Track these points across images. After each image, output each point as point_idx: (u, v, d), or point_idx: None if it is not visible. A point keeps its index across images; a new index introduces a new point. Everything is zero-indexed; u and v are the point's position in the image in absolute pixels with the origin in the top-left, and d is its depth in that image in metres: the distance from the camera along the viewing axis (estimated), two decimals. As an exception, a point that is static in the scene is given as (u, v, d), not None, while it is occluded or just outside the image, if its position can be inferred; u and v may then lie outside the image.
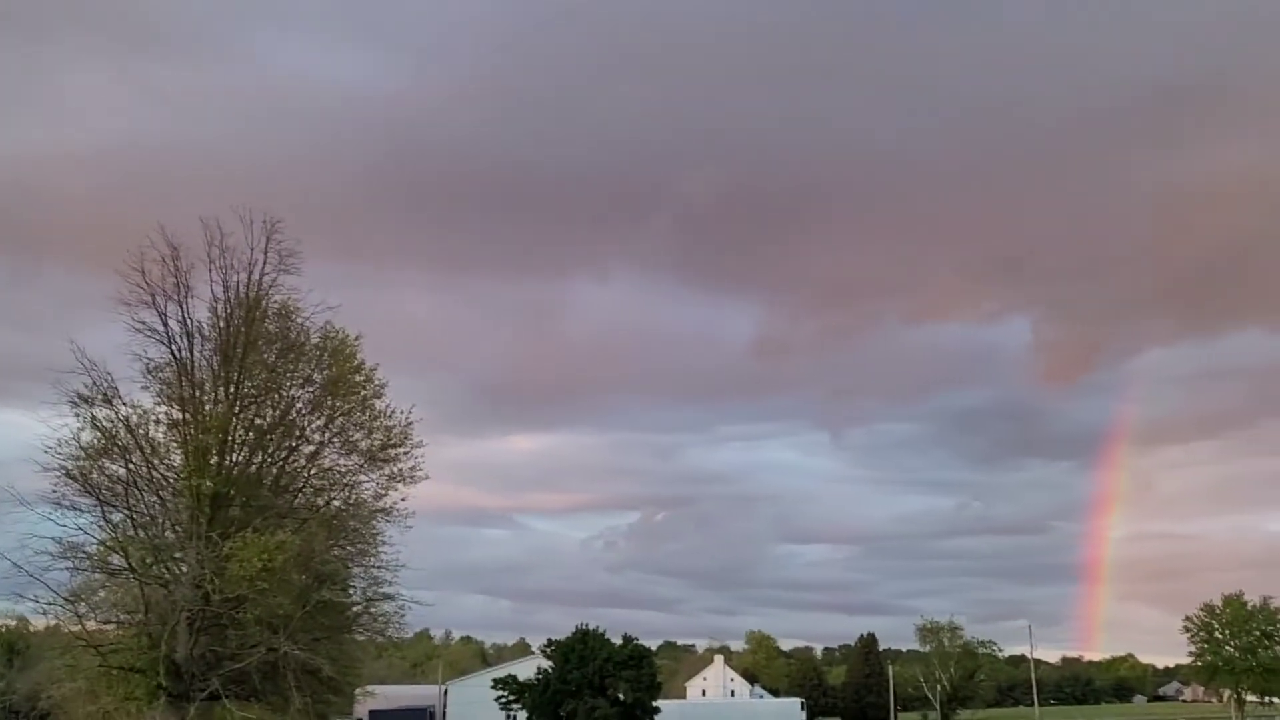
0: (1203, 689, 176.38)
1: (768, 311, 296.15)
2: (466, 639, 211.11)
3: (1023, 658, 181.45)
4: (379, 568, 49.26)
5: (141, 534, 42.15)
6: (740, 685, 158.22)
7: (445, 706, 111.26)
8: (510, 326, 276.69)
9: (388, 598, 48.56)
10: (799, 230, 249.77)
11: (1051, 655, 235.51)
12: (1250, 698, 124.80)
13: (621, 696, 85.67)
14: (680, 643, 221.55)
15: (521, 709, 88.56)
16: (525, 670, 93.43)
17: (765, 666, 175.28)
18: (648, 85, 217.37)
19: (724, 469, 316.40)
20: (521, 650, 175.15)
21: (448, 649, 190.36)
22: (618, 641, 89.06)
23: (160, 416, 42.65)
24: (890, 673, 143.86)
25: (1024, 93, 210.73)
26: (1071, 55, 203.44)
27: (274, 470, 46.54)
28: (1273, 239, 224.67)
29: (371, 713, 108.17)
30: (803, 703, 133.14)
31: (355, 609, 48.90)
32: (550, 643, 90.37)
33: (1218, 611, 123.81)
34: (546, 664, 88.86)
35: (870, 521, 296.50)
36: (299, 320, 46.34)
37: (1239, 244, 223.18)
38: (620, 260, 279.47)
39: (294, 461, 47.38)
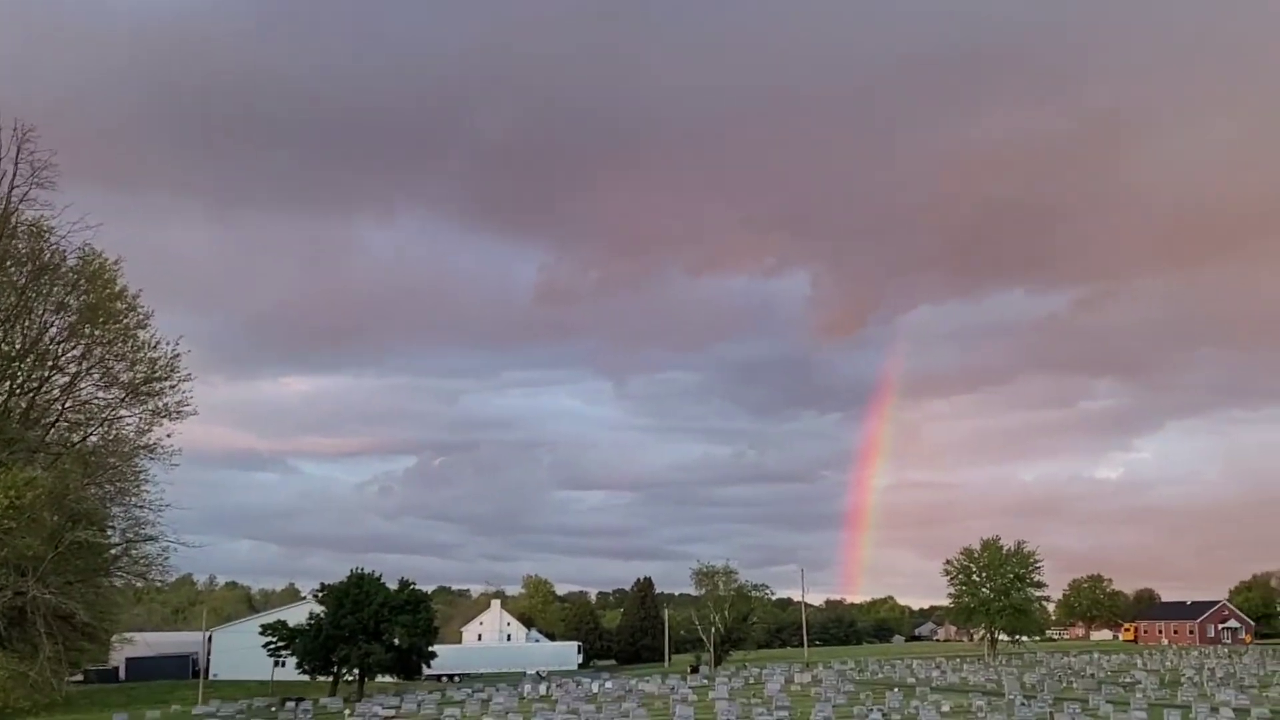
0: (955, 629, 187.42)
1: (555, 258, 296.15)
2: (232, 584, 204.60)
3: (790, 600, 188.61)
4: (141, 508, 46.79)
5: None
6: (517, 629, 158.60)
7: (209, 654, 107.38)
8: (288, 264, 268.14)
9: (150, 539, 46.20)
10: (589, 178, 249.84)
11: (817, 598, 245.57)
12: (1001, 636, 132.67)
13: (397, 642, 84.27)
14: (456, 588, 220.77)
15: (291, 655, 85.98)
16: (296, 616, 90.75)
17: (542, 611, 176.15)
18: (442, 21, 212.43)
19: (506, 415, 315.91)
20: (291, 596, 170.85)
21: (212, 595, 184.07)
22: (393, 587, 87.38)
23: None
24: (666, 616, 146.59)
25: (816, 53, 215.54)
26: (865, 18, 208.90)
27: (23, 402, 43.31)
28: (1038, 203, 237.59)
29: (130, 660, 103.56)
30: (579, 646, 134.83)
31: (114, 551, 46.22)
32: (323, 588, 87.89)
33: (976, 555, 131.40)
34: (318, 609, 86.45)
35: (649, 468, 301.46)
36: (53, 240, 43.07)
37: (1008, 207, 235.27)
38: (406, 200, 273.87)
39: (47, 393, 44.26)
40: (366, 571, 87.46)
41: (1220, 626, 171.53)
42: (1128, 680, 77.95)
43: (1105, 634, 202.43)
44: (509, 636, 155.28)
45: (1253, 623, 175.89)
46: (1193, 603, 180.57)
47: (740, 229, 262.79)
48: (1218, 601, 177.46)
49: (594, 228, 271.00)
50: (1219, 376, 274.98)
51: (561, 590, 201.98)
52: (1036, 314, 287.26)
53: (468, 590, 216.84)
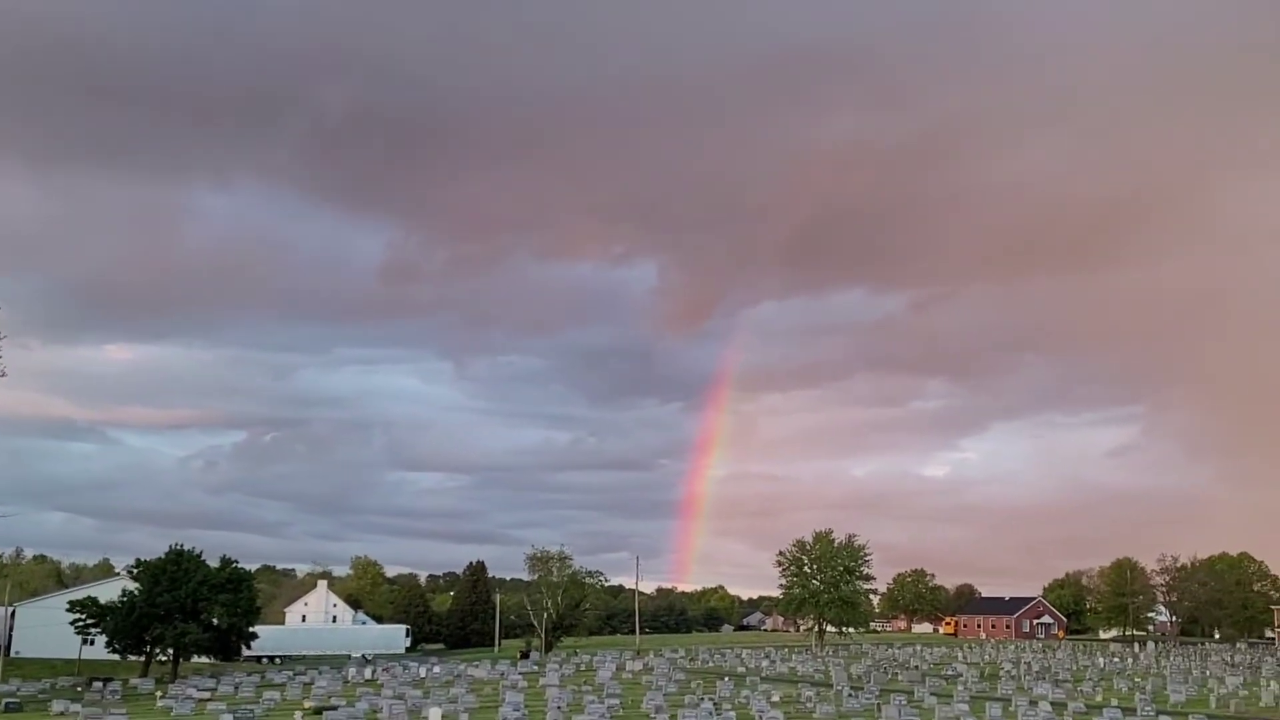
0: (783, 619, 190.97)
1: (401, 236, 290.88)
2: (41, 558, 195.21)
3: (623, 587, 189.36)
4: (-62, 473, 43.56)
5: None
6: (344, 611, 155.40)
7: (11, 629, 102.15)
8: (117, 227, 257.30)
9: (-53, 507, 43.01)
10: (439, 157, 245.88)
11: (649, 586, 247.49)
12: (828, 628, 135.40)
13: (216, 621, 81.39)
14: (282, 568, 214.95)
15: (101, 634, 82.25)
16: (108, 593, 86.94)
17: (370, 593, 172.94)
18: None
19: (340, 392, 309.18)
20: (104, 571, 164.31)
21: (18, 568, 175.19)
22: (215, 565, 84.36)
23: None
24: (497, 600, 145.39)
25: (671, 45, 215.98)
26: (721, 12, 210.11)
27: None
28: (882, 206, 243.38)
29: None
30: (408, 629, 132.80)
31: (-96, 519, 43.00)
32: (139, 564, 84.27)
33: (808, 547, 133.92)
34: (133, 586, 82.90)
35: (486, 452, 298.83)
36: None
37: (853, 208, 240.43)
38: (245, 167, 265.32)
39: None
40: (187, 548, 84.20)
41: (1035, 622, 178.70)
42: (950, 673, 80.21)
43: (926, 627, 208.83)
44: (335, 618, 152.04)
45: (1065, 619, 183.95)
46: (1010, 598, 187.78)
47: (590, 216, 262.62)
48: (1033, 598, 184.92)
49: (445, 207, 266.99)
50: (1041, 382, 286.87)
51: (392, 572, 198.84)
52: (875, 314, 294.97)
53: (294, 570, 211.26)
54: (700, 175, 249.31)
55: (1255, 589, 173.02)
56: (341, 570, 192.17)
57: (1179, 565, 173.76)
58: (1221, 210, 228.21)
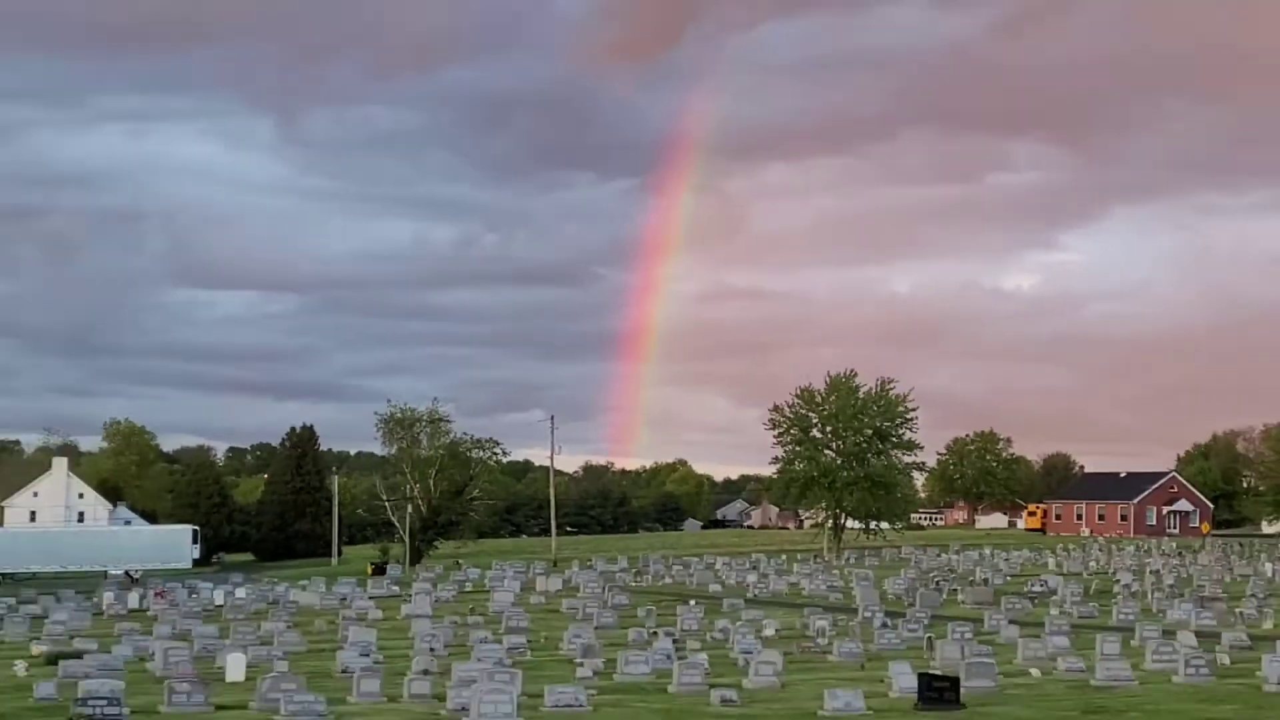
0: (779, 510, 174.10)
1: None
2: None
3: (532, 465, 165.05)
4: None
5: None
6: (95, 504, 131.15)
7: None
8: None
9: None
10: None
11: (571, 462, 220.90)
12: (850, 523, 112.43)
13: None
14: (1, 439, 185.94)
15: None
16: None
17: (137, 477, 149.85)
18: None
19: (95, 165, 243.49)
20: None
21: None
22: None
23: None
24: (336, 486, 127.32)
25: None
26: None
27: None
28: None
29: None
30: (195, 531, 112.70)
31: None
32: None
33: (819, 399, 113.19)
34: None
35: (323, 258, 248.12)
36: None
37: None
38: None
39: None
40: None
41: (1166, 510, 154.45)
42: (1038, 588, 68.80)
43: (999, 519, 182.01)
44: (82, 515, 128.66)
45: (1211, 505, 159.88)
46: (1127, 475, 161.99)
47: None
48: (1164, 473, 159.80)
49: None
50: (1190, 141, 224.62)
51: (172, 445, 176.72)
52: (938, 39, 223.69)
53: (18, 442, 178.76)
54: None
55: None
56: (92, 443, 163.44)
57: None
58: None
